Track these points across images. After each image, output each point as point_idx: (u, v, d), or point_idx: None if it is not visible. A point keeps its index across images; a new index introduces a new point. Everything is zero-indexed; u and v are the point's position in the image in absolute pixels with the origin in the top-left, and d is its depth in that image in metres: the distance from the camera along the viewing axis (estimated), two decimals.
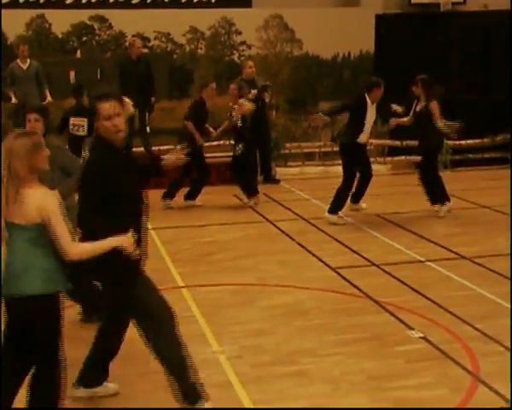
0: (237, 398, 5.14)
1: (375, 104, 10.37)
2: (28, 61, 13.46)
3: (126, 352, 5.95)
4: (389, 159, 15.08)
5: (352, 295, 7.27)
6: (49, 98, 13.54)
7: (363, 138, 10.35)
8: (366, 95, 10.31)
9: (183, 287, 7.66)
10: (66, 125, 11.20)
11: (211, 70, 15.74)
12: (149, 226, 10.38)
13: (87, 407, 5.06)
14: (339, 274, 7.98)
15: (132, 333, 6.31)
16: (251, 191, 11.84)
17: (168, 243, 9.49)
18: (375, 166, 14.10)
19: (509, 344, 5.89)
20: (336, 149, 15.68)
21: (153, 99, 13.80)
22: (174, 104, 16.19)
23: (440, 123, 10.31)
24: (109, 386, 5.20)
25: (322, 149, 15.07)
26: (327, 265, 8.35)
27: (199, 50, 16.06)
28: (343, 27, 15.74)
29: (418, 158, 11.23)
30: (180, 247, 9.36)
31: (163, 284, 7.73)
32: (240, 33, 16.03)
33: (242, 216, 11.12)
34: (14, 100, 13.28)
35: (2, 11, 13.42)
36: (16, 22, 14.65)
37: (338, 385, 5.31)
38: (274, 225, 10.27)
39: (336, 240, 9.43)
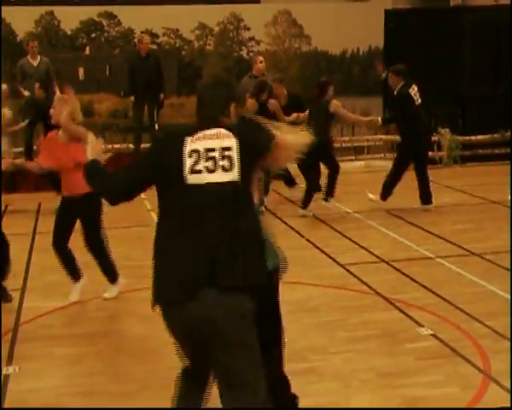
0: None
1: None
2: (39, 57, 13.49)
3: (136, 349, 5.97)
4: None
5: (361, 292, 7.25)
6: (58, 94, 13.55)
7: None
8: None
9: None
10: None
11: (219, 66, 15.75)
12: None
13: (87, 408, 5.04)
14: (348, 271, 7.96)
15: (142, 329, 6.34)
16: None
17: None
18: (383, 163, 14.09)
19: None
20: (345, 144, 15.68)
21: (162, 96, 13.79)
22: (183, 100, 16.22)
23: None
24: None
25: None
26: (336, 262, 8.33)
27: (207, 46, 16.06)
28: (352, 23, 15.70)
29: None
30: None
31: None
32: (248, 29, 16.03)
33: None
34: (26, 95, 13.32)
35: (12, 8, 13.44)
36: (25, 19, 14.70)
37: (348, 383, 5.29)
38: (283, 221, 10.24)
39: (345, 236, 9.40)
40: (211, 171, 3.60)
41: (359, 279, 7.61)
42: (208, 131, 3.67)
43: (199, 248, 3.61)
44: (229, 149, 3.62)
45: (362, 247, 8.89)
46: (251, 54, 15.66)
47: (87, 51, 15.80)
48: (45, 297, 7.26)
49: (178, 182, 3.62)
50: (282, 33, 15.82)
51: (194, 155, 3.61)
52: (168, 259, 3.75)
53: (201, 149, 3.61)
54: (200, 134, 3.67)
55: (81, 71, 15.72)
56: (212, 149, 3.61)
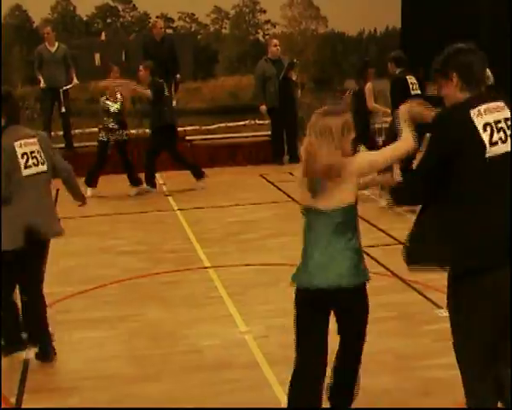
0: (265, 378, 5.13)
1: None
2: (56, 44, 13.51)
3: (154, 332, 6.00)
4: None
5: (379, 274, 7.21)
6: (75, 81, 13.61)
7: None
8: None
9: (209, 267, 7.67)
10: None
11: (235, 50, 15.71)
12: (175, 207, 10.48)
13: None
14: (365, 253, 7.89)
15: (159, 313, 6.37)
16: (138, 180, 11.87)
17: (194, 223, 9.50)
18: None
19: None
20: None
21: (178, 76, 13.70)
22: (199, 84, 16.26)
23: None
24: None
25: None
26: None
27: (223, 30, 16.03)
28: (369, 3, 15.65)
29: None
30: (206, 227, 9.36)
31: (190, 264, 7.80)
32: (264, 12, 16.06)
33: (269, 196, 11.09)
34: (42, 83, 13.37)
35: None
36: (42, 6, 14.79)
37: (365, 365, 5.24)
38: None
39: (363, 219, 9.30)
40: (503, 141, 3.65)
41: (377, 261, 7.58)
42: (491, 104, 3.70)
43: (501, 218, 3.67)
44: (509, 119, 3.70)
45: (379, 229, 8.85)
46: (267, 37, 15.60)
47: (103, 37, 15.85)
48: (62, 282, 7.30)
49: (478, 156, 3.62)
50: (298, 15, 15.81)
51: (488, 128, 3.64)
52: (477, 226, 3.69)
53: (492, 122, 3.65)
54: (483, 106, 3.68)
55: (97, 56, 15.75)
56: (499, 121, 3.67)
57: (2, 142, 5.15)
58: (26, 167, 5.21)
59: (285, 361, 5.34)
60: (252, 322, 6.13)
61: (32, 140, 5.32)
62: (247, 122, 15.85)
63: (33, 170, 5.26)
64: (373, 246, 8.13)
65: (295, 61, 14.08)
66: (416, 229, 4.03)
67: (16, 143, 5.19)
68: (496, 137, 3.64)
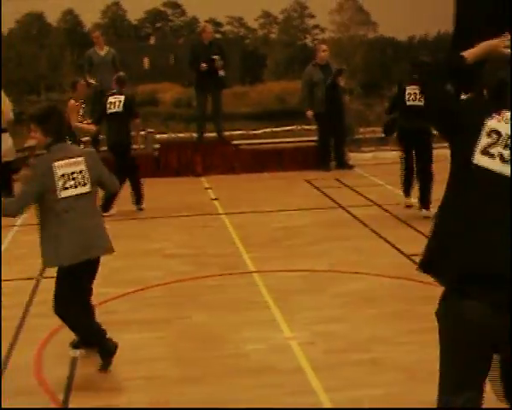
0: (309, 384, 5.09)
1: None
2: (106, 48, 13.66)
3: (198, 335, 6.00)
4: None
5: (426, 284, 7.08)
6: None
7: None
8: None
9: (254, 272, 7.65)
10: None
11: (283, 54, 15.69)
12: (221, 212, 10.50)
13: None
14: (413, 261, 7.82)
15: (204, 317, 6.37)
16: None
17: (239, 227, 9.50)
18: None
19: None
20: None
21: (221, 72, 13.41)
22: (246, 89, 16.24)
23: None
24: None
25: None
26: (401, 252, 8.20)
27: (271, 35, 16.01)
28: (420, 7, 15.43)
29: None
30: (251, 232, 9.35)
31: (235, 268, 7.80)
32: (313, 17, 15.97)
33: (314, 202, 11.05)
34: (92, 86, 13.52)
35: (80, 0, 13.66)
36: (92, 10, 14.91)
37: (414, 374, 5.20)
38: (346, 210, 10.15)
39: (410, 226, 9.26)
40: (505, 160, 3.25)
41: None
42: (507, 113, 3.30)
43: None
44: None
45: (427, 237, 8.71)
46: (315, 42, 15.56)
47: (152, 41, 15.95)
48: (108, 283, 7.34)
49: (464, 160, 3.33)
50: (347, 20, 15.71)
51: (493, 136, 3.26)
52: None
53: (503, 132, 3.27)
54: (502, 114, 3.31)
55: (146, 60, 15.86)
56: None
57: (41, 160, 5.13)
58: (64, 189, 5.08)
59: (330, 368, 5.33)
60: (296, 328, 6.10)
61: (74, 160, 5.16)
62: (293, 127, 15.83)
63: (72, 191, 5.12)
64: (420, 254, 8.02)
65: (344, 67, 14.00)
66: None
67: (56, 164, 5.07)
68: (495, 150, 3.27)
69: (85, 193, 5.22)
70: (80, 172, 5.18)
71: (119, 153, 10.61)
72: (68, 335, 5.73)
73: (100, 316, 6.16)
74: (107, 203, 10.16)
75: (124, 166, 10.45)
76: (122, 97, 10.63)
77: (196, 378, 5.23)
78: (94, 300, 6.34)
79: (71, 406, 4.91)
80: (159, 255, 8.41)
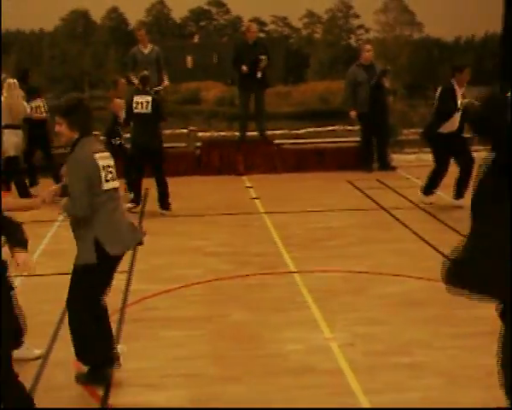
0: (349, 386, 5.06)
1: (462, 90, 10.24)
2: (150, 46, 13.74)
3: (239, 334, 6.01)
4: None
5: None
6: (165, 82, 13.79)
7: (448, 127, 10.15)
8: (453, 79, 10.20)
9: (295, 272, 7.64)
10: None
11: (327, 54, 15.63)
12: (262, 211, 10.50)
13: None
14: None
15: (244, 315, 6.38)
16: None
17: (280, 227, 9.49)
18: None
19: None
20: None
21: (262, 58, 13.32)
22: (289, 88, 16.20)
23: None
24: None
25: None
26: (443, 255, 8.11)
27: (315, 34, 15.97)
28: (467, 8, 15.26)
29: None
30: (292, 231, 9.33)
31: (275, 268, 7.79)
32: (358, 17, 15.91)
33: (355, 202, 10.98)
34: (136, 84, 13.61)
35: None
36: (137, 8, 15.06)
37: (454, 379, 5.14)
38: (388, 212, 10.08)
39: (453, 229, 9.16)
40: None
41: None
42: None
43: None
44: None
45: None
46: (359, 42, 15.48)
47: (195, 39, 16.02)
48: (150, 280, 7.41)
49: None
50: (392, 20, 15.62)
51: None
52: None
53: None
54: None
55: (189, 59, 15.92)
56: None
57: (82, 153, 4.96)
58: (106, 181, 5.03)
59: (370, 371, 5.29)
60: (336, 329, 6.07)
61: (106, 154, 5.13)
62: (336, 127, 15.75)
63: (111, 184, 5.08)
64: None
65: (388, 68, 13.89)
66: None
67: (96, 156, 5.00)
68: None
69: (117, 188, 5.23)
70: (112, 166, 5.15)
71: (146, 154, 10.59)
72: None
73: (140, 312, 6.23)
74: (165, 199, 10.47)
75: (155, 168, 10.53)
76: (149, 98, 10.60)
77: (235, 377, 5.24)
78: (136, 296, 6.43)
79: (110, 401, 4.95)
80: (199, 253, 8.44)
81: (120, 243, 5.11)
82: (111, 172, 5.10)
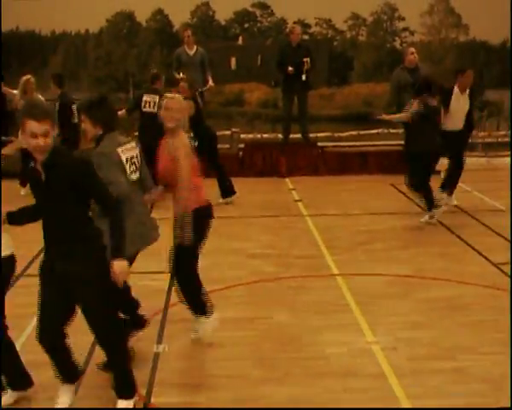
0: (392, 391, 5.03)
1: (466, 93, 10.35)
2: (195, 47, 13.82)
3: (281, 336, 6.01)
4: None
5: None
6: (210, 83, 13.86)
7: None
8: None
9: (338, 275, 7.61)
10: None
11: (371, 57, 15.54)
12: (304, 213, 10.48)
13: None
14: (500, 270, 7.64)
15: (287, 317, 6.38)
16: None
17: (323, 230, 9.47)
18: None
19: None
20: (501, 139, 15.11)
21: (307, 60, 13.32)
22: (333, 91, 16.15)
23: None
24: None
25: (486, 140, 14.48)
26: (488, 260, 8.02)
27: (360, 37, 15.90)
28: None
29: None
30: (335, 234, 9.31)
31: (318, 271, 7.78)
32: (403, 19, 15.82)
33: (399, 206, 10.91)
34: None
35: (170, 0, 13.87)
36: (182, 10, 15.19)
37: (499, 385, 5.07)
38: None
39: (498, 234, 9.04)
40: None
41: None
42: None
43: None
44: None
45: None
46: (404, 45, 15.36)
47: (240, 41, 16.08)
48: None
49: None
50: (438, 23, 15.46)
51: None
52: None
53: None
54: None
55: (233, 61, 15.99)
56: None
57: (106, 148, 5.07)
58: (131, 173, 5.19)
59: (413, 375, 5.25)
60: (379, 332, 6.04)
61: (130, 145, 5.26)
62: (379, 130, 15.65)
63: (134, 176, 5.24)
64: (508, 263, 7.82)
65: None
66: None
67: (119, 149, 5.13)
68: None
69: (138, 179, 5.32)
70: (136, 156, 5.28)
71: (147, 154, 10.62)
72: (151, 331, 5.84)
73: (184, 312, 6.26)
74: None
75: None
76: (157, 97, 10.57)
77: (277, 379, 5.24)
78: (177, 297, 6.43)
79: (153, 400, 4.99)
80: (242, 255, 8.46)
81: (139, 238, 5.18)
82: (134, 164, 5.24)
